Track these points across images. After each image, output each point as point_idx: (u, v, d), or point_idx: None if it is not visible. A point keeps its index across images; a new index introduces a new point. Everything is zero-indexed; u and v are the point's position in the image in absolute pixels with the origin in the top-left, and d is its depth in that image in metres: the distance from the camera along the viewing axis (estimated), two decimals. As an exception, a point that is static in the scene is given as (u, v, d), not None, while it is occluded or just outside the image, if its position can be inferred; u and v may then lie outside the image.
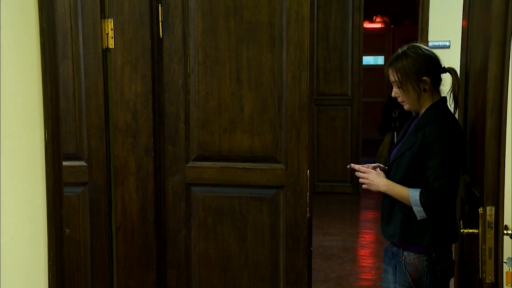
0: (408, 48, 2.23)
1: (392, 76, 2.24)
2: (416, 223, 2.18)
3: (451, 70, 2.25)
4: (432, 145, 2.13)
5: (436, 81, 2.23)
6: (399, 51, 2.25)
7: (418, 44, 2.26)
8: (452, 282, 2.64)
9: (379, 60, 11.32)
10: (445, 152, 2.12)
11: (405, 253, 2.23)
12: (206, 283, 2.58)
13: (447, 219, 2.20)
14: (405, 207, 2.20)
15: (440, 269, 2.19)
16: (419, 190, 2.15)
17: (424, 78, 2.19)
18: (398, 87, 2.24)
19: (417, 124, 2.22)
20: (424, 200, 2.12)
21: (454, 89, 2.23)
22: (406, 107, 2.28)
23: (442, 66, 2.25)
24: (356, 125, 6.84)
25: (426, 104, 2.23)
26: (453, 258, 2.28)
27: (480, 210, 1.70)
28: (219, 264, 2.56)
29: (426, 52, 2.22)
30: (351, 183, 6.84)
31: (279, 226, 2.49)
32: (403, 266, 2.23)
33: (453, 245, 2.39)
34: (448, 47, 6.23)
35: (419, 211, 2.14)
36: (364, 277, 4.40)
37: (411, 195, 2.15)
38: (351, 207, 6.45)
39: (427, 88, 2.20)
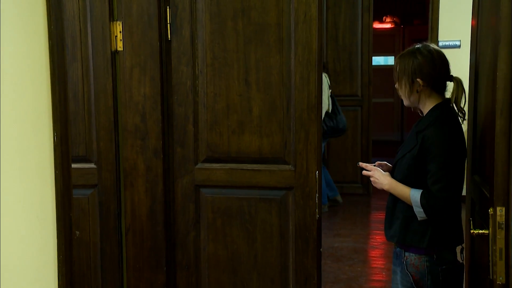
0: (419, 47, 2.26)
1: (395, 68, 2.30)
2: (415, 225, 2.20)
3: (455, 80, 2.25)
4: (430, 148, 2.14)
5: (435, 86, 2.24)
6: (414, 46, 2.28)
7: (431, 46, 2.27)
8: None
9: (389, 60, 11.27)
10: (443, 156, 2.13)
11: (406, 254, 2.25)
12: (215, 284, 2.58)
13: (448, 222, 2.20)
14: (405, 209, 2.22)
15: (441, 270, 2.19)
16: (421, 191, 2.16)
17: (417, 79, 2.21)
18: (396, 80, 2.29)
19: (418, 126, 2.25)
20: (425, 202, 2.14)
21: (452, 97, 2.24)
22: (405, 102, 2.31)
23: (450, 73, 2.26)
24: (366, 125, 6.82)
25: (422, 104, 2.26)
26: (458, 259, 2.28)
27: (490, 210, 1.68)
28: (228, 266, 2.56)
29: (430, 55, 2.22)
30: (361, 184, 6.81)
31: (288, 227, 2.49)
32: (405, 267, 2.25)
33: (464, 246, 2.37)
34: (459, 46, 6.20)
35: (419, 211, 2.16)
36: (374, 278, 4.39)
37: (413, 195, 2.17)
38: (362, 208, 6.43)
39: (419, 90, 2.22)
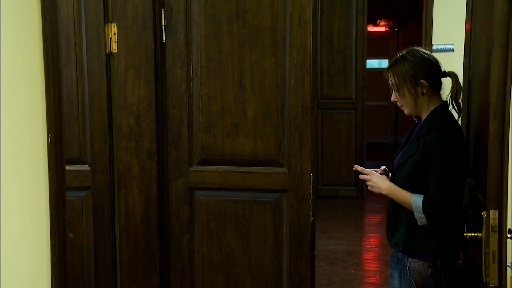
0: (407, 52, 2.24)
1: (390, 80, 2.25)
2: (420, 231, 2.17)
3: (451, 74, 2.24)
4: (433, 153, 2.11)
5: (435, 85, 2.22)
6: (398, 55, 2.26)
7: (417, 48, 2.26)
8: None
9: (383, 63, 11.31)
10: (446, 161, 2.10)
11: (409, 259, 2.21)
12: (209, 287, 2.58)
13: (452, 227, 2.17)
14: (409, 215, 2.19)
15: (445, 277, 2.17)
16: (422, 196, 2.13)
17: (421, 81, 2.18)
18: (396, 91, 2.24)
19: (418, 131, 2.21)
20: (427, 208, 2.11)
21: (453, 93, 2.23)
22: (405, 111, 2.28)
23: (442, 70, 2.25)
24: (360, 128, 6.84)
25: (425, 108, 2.23)
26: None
27: (484, 213, 1.69)
28: (223, 268, 2.56)
29: (425, 55, 2.21)
30: (355, 187, 6.83)
31: (282, 230, 2.49)
32: (408, 273, 2.21)
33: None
34: (452, 50, 6.22)
35: (420, 217, 2.13)
36: (368, 281, 4.39)
37: (414, 200, 2.14)
38: (355, 211, 6.44)
39: (424, 91, 2.20)
